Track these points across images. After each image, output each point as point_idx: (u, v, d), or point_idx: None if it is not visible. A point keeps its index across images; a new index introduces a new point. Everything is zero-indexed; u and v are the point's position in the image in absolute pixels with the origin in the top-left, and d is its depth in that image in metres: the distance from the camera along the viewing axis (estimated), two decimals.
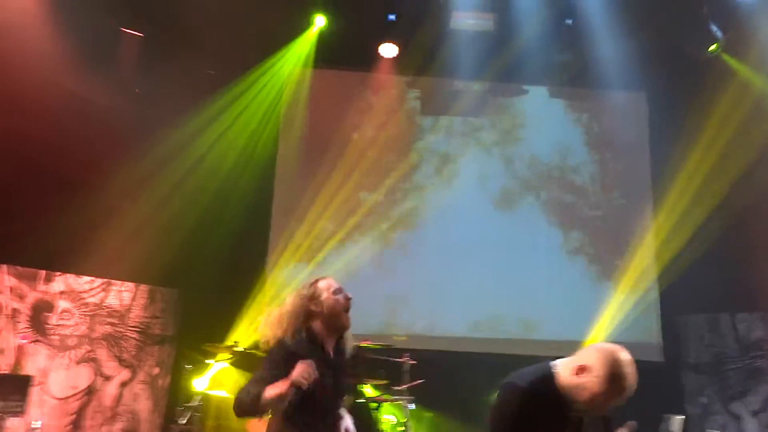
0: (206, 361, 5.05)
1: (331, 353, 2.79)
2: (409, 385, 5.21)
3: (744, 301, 5.77)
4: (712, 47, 5.76)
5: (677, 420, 4.44)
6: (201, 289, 5.82)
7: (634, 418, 5.13)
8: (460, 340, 6.21)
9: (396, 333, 6.07)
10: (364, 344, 5.06)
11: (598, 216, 6.67)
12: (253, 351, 5.10)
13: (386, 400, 5.19)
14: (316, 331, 2.76)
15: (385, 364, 5.47)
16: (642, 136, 6.87)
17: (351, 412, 5.00)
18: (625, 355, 2.35)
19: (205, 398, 4.87)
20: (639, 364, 5.89)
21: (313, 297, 2.79)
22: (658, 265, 6.45)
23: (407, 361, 5.26)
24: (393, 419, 5.26)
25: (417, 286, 6.28)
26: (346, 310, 2.82)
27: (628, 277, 6.43)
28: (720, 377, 5.77)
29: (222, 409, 5.03)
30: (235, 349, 4.96)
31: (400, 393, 5.23)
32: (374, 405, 5.12)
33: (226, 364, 5.08)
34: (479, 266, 6.36)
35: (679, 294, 6.22)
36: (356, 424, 4.95)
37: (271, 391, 2.52)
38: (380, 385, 5.33)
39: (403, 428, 5.18)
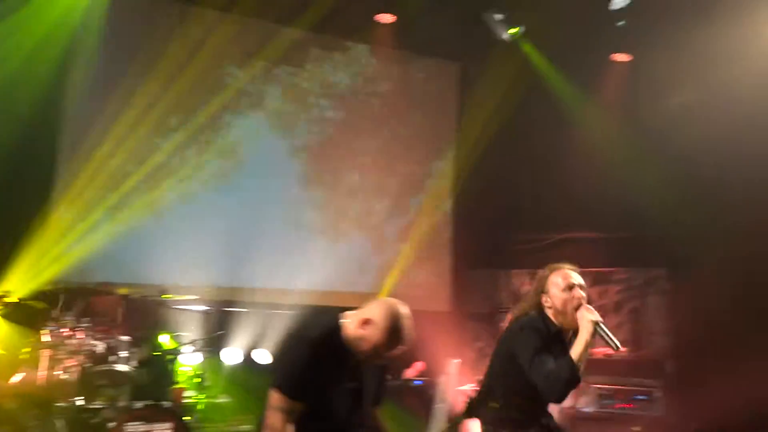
0: None
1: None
2: (206, 336, 5.10)
3: (517, 259, 6.61)
4: (513, 30, 6.31)
5: (453, 363, 4.98)
6: None
7: (423, 360, 5.63)
8: (259, 291, 6.18)
9: (195, 284, 5.84)
10: (163, 295, 4.82)
11: (400, 177, 7.02)
12: (28, 302, 4.55)
13: (182, 352, 5.02)
14: None
15: (183, 314, 5.30)
16: (450, 105, 7.31)
17: (145, 363, 4.79)
18: (404, 310, 2.53)
19: None
20: (428, 314, 6.42)
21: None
22: (451, 227, 7.06)
23: (207, 312, 5.13)
24: (189, 370, 5.11)
25: (218, 238, 6.06)
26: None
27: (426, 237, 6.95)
28: (494, 325, 6.57)
29: None
30: (6, 300, 4.37)
31: (197, 344, 5.10)
32: (170, 357, 4.93)
33: None
34: (279, 220, 6.33)
35: (465, 252, 6.94)
36: (152, 375, 4.77)
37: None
38: (177, 336, 5.14)
39: (199, 379, 5.07)
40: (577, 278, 2.86)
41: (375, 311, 2.50)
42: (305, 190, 6.58)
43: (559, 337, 2.79)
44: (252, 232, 6.21)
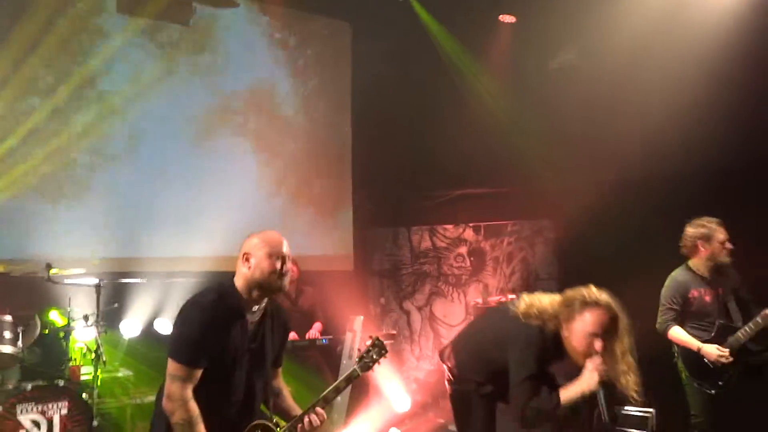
0: None
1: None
2: (100, 310, 4.87)
3: (416, 217, 6.83)
4: None
5: (358, 320, 5.11)
6: None
7: (328, 319, 5.72)
8: (155, 260, 5.95)
9: (85, 257, 5.52)
10: (49, 270, 4.53)
11: (298, 138, 6.95)
12: None
13: (75, 328, 4.78)
14: None
15: (74, 289, 5.02)
16: (343, 65, 7.27)
17: (34, 343, 4.51)
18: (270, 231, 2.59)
19: None
20: (334, 273, 6.52)
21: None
22: (351, 187, 7.13)
23: (98, 285, 4.89)
24: (84, 346, 4.89)
25: (108, 207, 5.74)
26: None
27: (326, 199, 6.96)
28: (396, 281, 6.80)
29: None
30: None
31: (90, 319, 4.87)
32: (62, 334, 4.69)
33: None
34: (173, 186, 6.08)
35: (365, 211, 7.06)
36: (44, 354, 4.51)
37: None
38: (68, 311, 4.88)
39: (94, 355, 4.86)
40: (605, 325, 2.68)
41: (244, 246, 2.56)
42: (199, 155, 6.34)
43: (557, 356, 2.78)
44: (144, 200, 5.93)
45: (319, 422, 2.60)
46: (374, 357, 2.73)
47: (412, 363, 6.42)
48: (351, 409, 4.73)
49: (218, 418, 2.46)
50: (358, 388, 4.84)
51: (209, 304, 2.46)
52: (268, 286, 2.50)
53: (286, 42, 6.94)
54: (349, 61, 7.27)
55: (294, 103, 6.96)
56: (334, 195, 7.10)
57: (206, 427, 2.40)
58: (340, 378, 2.72)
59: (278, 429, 2.61)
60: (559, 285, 6.05)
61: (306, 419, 2.59)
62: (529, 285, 5.91)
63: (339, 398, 4.79)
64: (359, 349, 2.77)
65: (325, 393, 2.66)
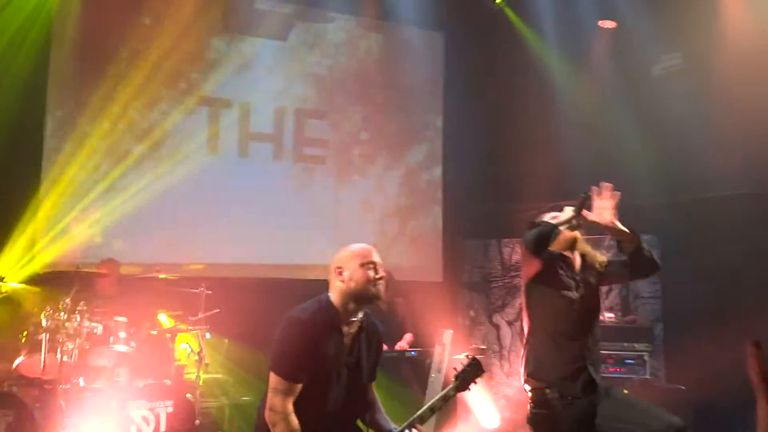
0: None
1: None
2: (204, 314, 5.15)
3: (508, 229, 6.68)
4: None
5: (447, 333, 5.08)
6: None
7: (417, 331, 5.72)
8: (256, 267, 6.23)
9: (191, 262, 5.87)
10: (159, 275, 4.86)
11: (391, 150, 7.02)
12: (24, 286, 4.57)
13: (181, 330, 5.09)
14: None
15: (181, 294, 5.34)
16: (436, 75, 7.28)
17: (147, 343, 4.84)
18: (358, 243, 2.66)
19: None
20: (423, 284, 6.50)
21: None
22: (442, 197, 7.12)
23: (203, 290, 5.18)
24: (188, 348, 5.18)
25: (211, 214, 6.08)
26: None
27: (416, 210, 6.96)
28: (486, 293, 6.69)
29: None
30: (1, 284, 4.39)
31: (195, 323, 5.16)
32: (169, 335, 5.00)
33: None
34: (271, 197, 6.35)
35: (456, 222, 7.01)
36: (152, 354, 4.83)
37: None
38: (175, 315, 5.20)
39: (198, 357, 5.14)
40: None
41: (335, 261, 2.62)
42: (288, 170, 6.55)
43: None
44: (249, 210, 6.22)
45: None
46: (470, 377, 2.68)
47: (501, 379, 6.29)
48: (440, 424, 4.71)
49: (318, 430, 2.51)
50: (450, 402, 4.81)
51: (309, 320, 2.52)
52: (365, 295, 2.55)
53: (378, 52, 7.04)
54: (441, 71, 7.27)
55: (385, 114, 7.05)
56: (425, 206, 7.12)
57: None
58: (436, 397, 2.69)
59: None
60: (664, 304, 5.74)
61: None
62: (629, 304, 5.61)
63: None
64: (454, 369, 2.73)
65: (420, 412, 2.63)
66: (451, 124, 7.15)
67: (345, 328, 2.58)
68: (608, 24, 6.42)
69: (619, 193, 2.90)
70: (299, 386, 2.48)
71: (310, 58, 6.70)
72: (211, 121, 6.24)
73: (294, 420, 2.45)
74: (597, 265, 3.11)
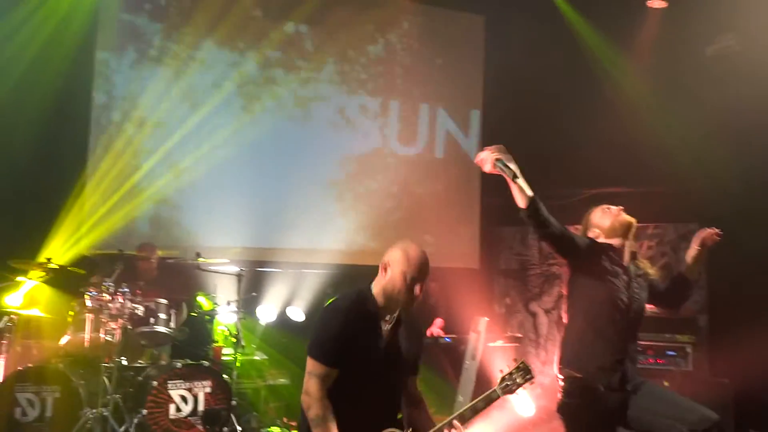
0: (16, 279, 4.57)
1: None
2: (241, 296, 5.23)
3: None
4: None
5: (483, 321, 5.03)
6: (4, 198, 5.12)
7: (451, 317, 5.69)
8: (290, 251, 6.28)
9: (229, 246, 5.96)
10: (198, 258, 4.95)
11: (427, 134, 6.94)
12: (70, 268, 4.72)
13: (219, 312, 5.19)
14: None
15: (218, 276, 5.44)
16: (476, 58, 7.15)
17: (184, 324, 4.96)
18: (413, 243, 2.61)
19: (16, 317, 4.45)
20: (459, 270, 6.43)
21: None
22: (480, 183, 7.03)
23: (239, 272, 5.26)
24: (226, 330, 5.29)
25: (249, 198, 6.15)
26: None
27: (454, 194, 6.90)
28: (523, 281, 6.60)
29: (33, 328, 4.66)
30: (49, 266, 4.54)
31: (232, 304, 5.25)
32: (208, 317, 5.11)
33: (38, 282, 4.64)
34: (308, 180, 6.36)
35: (494, 209, 6.90)
36: (191, 335, 4.94)
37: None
38: (213, 297, 5.30)
39: (235, 339, 5.24)
40: None
41: (387, 255, 2.59)
42: (331, 149, 6.56)
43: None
44: (283, 195, 6.27)
45: None
46: (518, 381, 2.61)
47: (537, 367, 6.22)
48: (473, 410, 4.68)
49: (353, 420, 2.52)
50: (481, 389, 4.78)
51: (348, 308, 2.54)
52: (396, 302, 2.56)
53: (418, 36, 6.94)
54: (482, 54, 7.14)
55: (425, 98, 6.96)
56: (463, 191, 7.03)
57: (341, 428, 2.46)
58: (480, 398, 2.62)
59: None
60: (709, 294, 5.55)
61: None
62: None
63: (461, 398, 4.78)
64: (501, 371, 2.67)
65: (462, 410, 2.61)
66: (491, 109, 7.02)
67: (384, 320, 2.58)
68: (658, 3, 6.17)
69: (501, 145, 3.02)
70: (335, 372, 2.50)
71: (347, 45, 6.65)
72: (248, 109, 6.27)
73: (327, 404, 2.47)
74: (649, 272, 3.12)
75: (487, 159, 2.91)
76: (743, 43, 5.53)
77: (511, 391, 2.63)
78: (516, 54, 6.43)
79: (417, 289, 2.53)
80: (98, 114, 5.69)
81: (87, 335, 4.40)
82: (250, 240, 6.11)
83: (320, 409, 2.45)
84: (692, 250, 3.06)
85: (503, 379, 2.63)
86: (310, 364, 2.51)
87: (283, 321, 5.93)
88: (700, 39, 5.84)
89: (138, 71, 5.79)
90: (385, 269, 2.56)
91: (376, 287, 2.59)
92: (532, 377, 2.63)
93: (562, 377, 2.96)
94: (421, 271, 2.53)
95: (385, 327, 2.59)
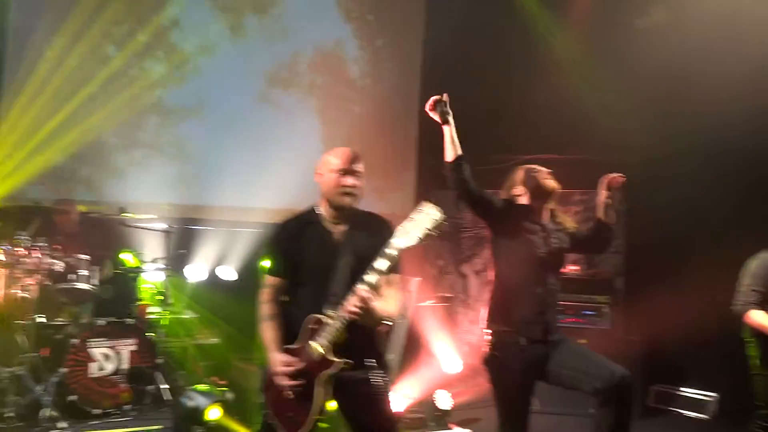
0: None
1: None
2: (169, 254, 5.10)
3: (480, 181, 6.64)
4: None
5: (414, 281, 5.11)
6: None
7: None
8: (221, 209, 6.13)
9: (157, 202, 5.75)
10: (123, 214, 4.76)
11: (363, 96, 6.87)
12: None
13: (145, 270, 5.04)
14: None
15: (145, 233, 5.27)
16: (414, 23, 7.07)
17: (107, 281, 4.78)
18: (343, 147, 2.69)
19: None
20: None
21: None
22: (416, 148, 7.02)
23: (168, 229, 5.10)
24: (152, 288, 5.15)
25: (179, 156, 5.93)
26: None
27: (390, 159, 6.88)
28: (455, 243, 6.73)
29: None
30: None
31: (159, 262, 5.11)
32: (133, 275, 4.95)
33: None
34: (241, 138, 6.17)
35: (429, 173, 6.96)
36: (115, 293, 4.78)
37: None
38: (139, 254, 5.13)
39: (162, 297, 5.12)
40: None
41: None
42: (266, 111, 6.38)
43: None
44: (213, 152, 6.08)
45: (365, 295, 2.37)
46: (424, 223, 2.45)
47: (466, 326, 6.41)
48: (402, 367, 4.79)
49: (306, 314, 2.52)
50: (411, 347, 4.89)
51: (286, 220, 2.68)
52: (336, 200, 2.55)
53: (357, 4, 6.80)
54: (421, 21, 7.08)
55: (361, 63, 6.87)
56: (399, 156, 7.03)
57: (296, 322, 2.50)
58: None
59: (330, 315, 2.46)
60: (626, 259, 5.85)
61: (352, 299, 2.38)
62: (593, 258, 5.70)
63: (392, 355, 4.86)
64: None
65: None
66: (429, 75, 7.00)
67: (332, 226, 2.59)
68: None
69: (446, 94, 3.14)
70: (279, 280, 2.61)
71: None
72: (177, 55, 5.97)
73: (269, 308, 2.59)
74: (568, 227, 3.22)
75: (431, 99, 3.04)
76: (671, 17, 5.73)
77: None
78: (452, 19, 6.42)
79: (349, 179, 2.54)
80: (9, 55, 5.27)
81: (1, 292, 4.17)
82: (178, 197, 5.91)
83: (263, 311, 2.59)
84: (601, 195, 3.24)
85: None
86: (263, 276, 2.68)
87: (214, 280, 5.82)
88: (633, 11, 6.00)
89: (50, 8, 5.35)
90: (318, 175, 2.62)
91: (319, 198, 2.64)
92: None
93: (489, 332, 3.06)
94: (345, 161, 2.56)
95: (336, 230, 2.59)
